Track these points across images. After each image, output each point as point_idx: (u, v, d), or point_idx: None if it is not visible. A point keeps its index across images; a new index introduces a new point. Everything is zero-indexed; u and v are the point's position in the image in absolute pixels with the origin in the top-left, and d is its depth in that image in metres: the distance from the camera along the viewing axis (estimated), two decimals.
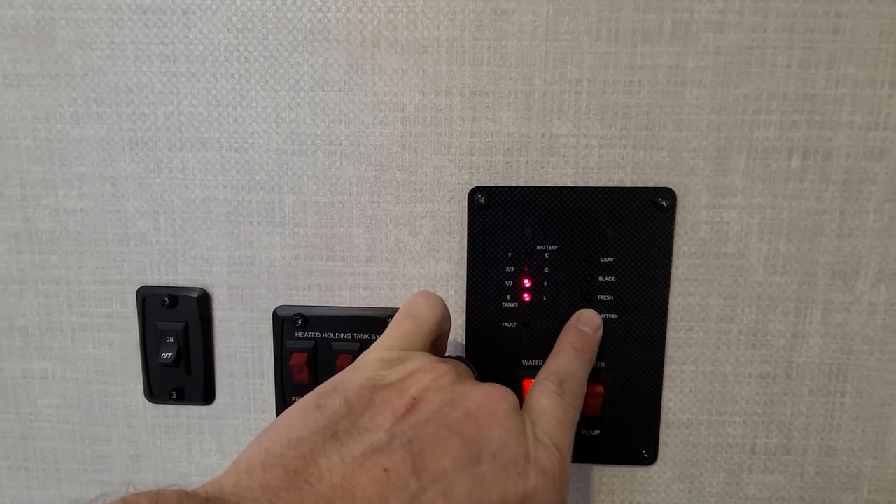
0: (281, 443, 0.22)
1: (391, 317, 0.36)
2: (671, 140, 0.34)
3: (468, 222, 0.35)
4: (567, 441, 0.27)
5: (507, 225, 0.35)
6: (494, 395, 0.26)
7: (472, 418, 0.24)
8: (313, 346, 0.37)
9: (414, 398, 0.25)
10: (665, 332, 0.35)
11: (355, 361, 0.28)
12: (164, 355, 0.37)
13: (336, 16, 0.34)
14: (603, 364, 0.35)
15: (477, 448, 0.23)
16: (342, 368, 0.35)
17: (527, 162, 0.34)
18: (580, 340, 0.33)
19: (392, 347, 0.28)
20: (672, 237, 0.34)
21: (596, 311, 0.35)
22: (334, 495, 0.20)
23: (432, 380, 0.26)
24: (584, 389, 0.31)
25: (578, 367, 0.31)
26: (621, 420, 0.36)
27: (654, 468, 0.37)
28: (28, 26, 0.35)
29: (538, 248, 0.35)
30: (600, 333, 0.34)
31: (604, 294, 0.35)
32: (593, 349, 0.33)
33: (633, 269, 0.34)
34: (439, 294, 0.36)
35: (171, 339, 0.37)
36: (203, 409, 0.38)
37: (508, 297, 0.35)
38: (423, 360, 0.27)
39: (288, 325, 0.37)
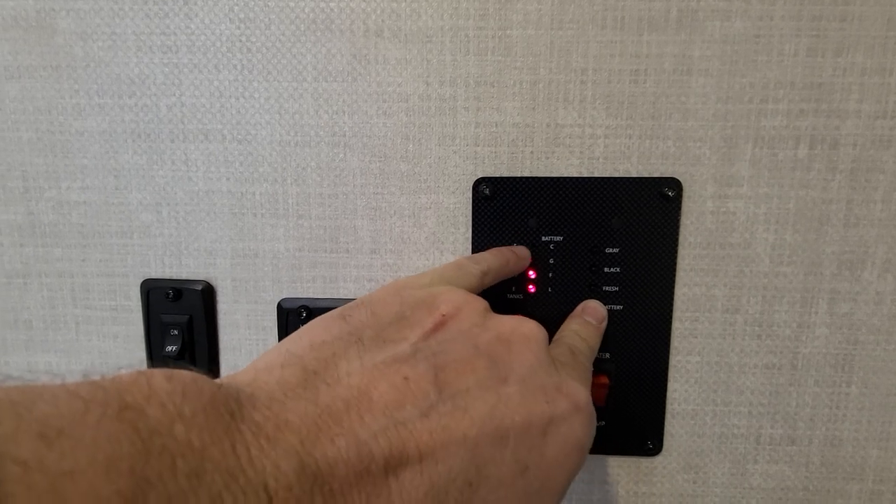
0: (302, 345, 0.22)
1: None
2: (677, 129, 0.33)
3: (473, 213, 0.35)
4: (588, 393, 0.26)
5: (512, 216, 0.34)
6: (529, 325, 0.25)
7: (503, 342, 0.24)
8: None
9: (444, 314, 0.24)
10: (670, 323, 0.35)
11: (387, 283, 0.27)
12: (169, 348, 0.37)
13: (339, 5, 0.33)
14: (608, 355, 0.35)
15: (505, 370, 0.23)
16: None
17: (532, 152, 0.34)
18: (584, 328, 0.32)
19: (427, 277, 0.27)
20: (678, 227, 0.34)
21: (601, 301, 0.34)
22: (350, 395, 0.19)
23: (465, 301, 0.25)
24: (591, 371, 0.30)
25: (583, 348, 0.31)
26: (626, 411, 0.36)
27: (659, 458, 0.37)
28: (28, 17, 0.34)
29: (543, 239, 0.34)
30: (604, 325, 0.34)
31: (609, 285, 0.35)
32: (596, 339, 0.33)
33: (638, 259, 0.34)
34: None
35: (176, 332, 0.37)
36: None
37: (513, 288, 0.35)
38: (456, 289, 0.27)
39: (292, 317, 0.37)
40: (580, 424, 0.23)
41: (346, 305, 0.25)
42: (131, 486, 0.13)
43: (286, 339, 0.23)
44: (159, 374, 0.16)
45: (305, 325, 0.24)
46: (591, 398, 0.25)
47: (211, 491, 0.14)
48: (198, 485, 0.14)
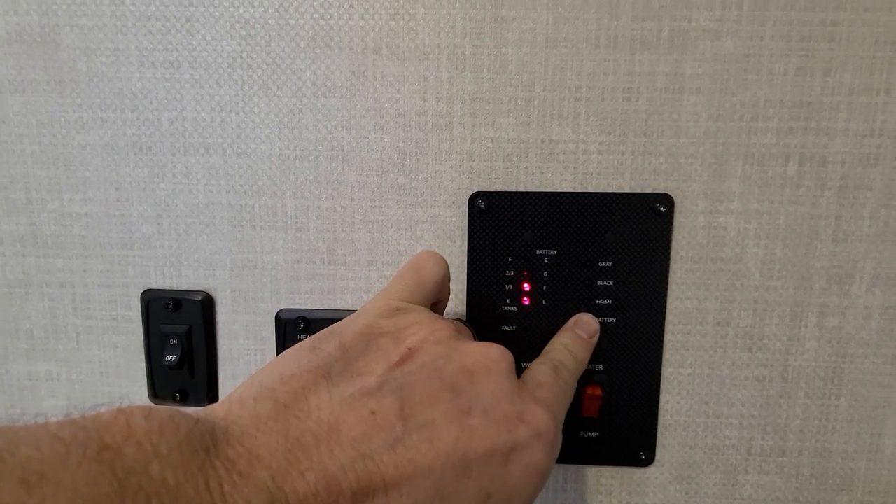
0: (274, 378, 0.22)
1: None
2: (669, 146, 0.34)
3: (468, 227, 0.35)
4: (561, 413, 0.27)
5: (506, 230, 0.35)
6: (492, 354, 0.25)
7: (466, 373, 0.24)
8: None
9: (410, 348, 0.25)
10: (662, 336, 0.36)
11: (356, 311, 0.27)
12: (168, 357, 0.37)
13: (338, 23, 0.34)
14: (601, 367, 0.36)
15: (469, 401, 0.23)
16: None
17: (527, 167, 0.35)
18: (574, 342, 0.33)
19: (393, 297, 0.27)
20: (670, 242, 0.35)
21: (594, 314, 0.35)
22: (320, 430, 0.20)
23: (430, 332, 0.25)
24: (574, 387, 0.31)
25: (570, 363, 0.31)
26: (619, 422, 0.36)
27: (651, 469, 0.37)
28: (33, 32, 0.35)
29: (538, 252, 0.35)
30: (596, 339, 0.34)
31: (602, 298, 0.35)
32: (586, 352, 0.33)
33: (631, 273, 0.35)
34: None
35: (175, 342, 0.38)
36: None
37: (508, 300, 0.36)
38: (423, 313, 0.27)
39: (290, 327, 0.37)
40: (541, 451, 0.24)
41: (316, 335, 0.25)
42: None
43: (259, 371, 0.24)
44: (138, 412, 0.17)
45: (278, 357, 0.24)
46: (555, 422, 0.25)
47: None
48: None
